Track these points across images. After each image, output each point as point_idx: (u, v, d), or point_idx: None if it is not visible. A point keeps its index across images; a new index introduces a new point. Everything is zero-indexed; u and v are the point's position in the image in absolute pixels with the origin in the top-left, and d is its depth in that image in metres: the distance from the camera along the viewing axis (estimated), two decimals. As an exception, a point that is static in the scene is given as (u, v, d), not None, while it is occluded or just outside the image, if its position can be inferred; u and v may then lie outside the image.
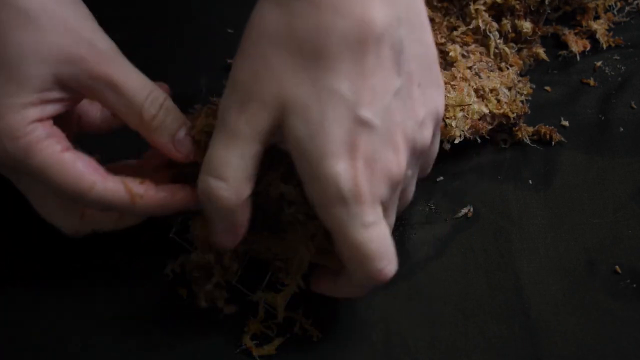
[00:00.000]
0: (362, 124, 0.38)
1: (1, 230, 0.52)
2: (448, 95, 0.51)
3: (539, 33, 0.59)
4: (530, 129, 0.55)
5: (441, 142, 0.51)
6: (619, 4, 0.62)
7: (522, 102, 0.55)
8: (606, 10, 0.62)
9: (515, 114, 0.54)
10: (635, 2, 0.63)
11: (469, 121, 0.52)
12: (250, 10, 0.64)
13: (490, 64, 0.56)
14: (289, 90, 0.38)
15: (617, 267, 0.49)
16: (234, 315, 0.48)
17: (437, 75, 0.43)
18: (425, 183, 0.54)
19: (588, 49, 0.60)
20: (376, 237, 0.40)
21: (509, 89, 0.55)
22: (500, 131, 0.55)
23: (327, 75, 0.38)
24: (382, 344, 0.47)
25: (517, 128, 0.55)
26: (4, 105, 0.40)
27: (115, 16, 0.56)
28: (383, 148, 0.39)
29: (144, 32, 0.55)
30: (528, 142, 0.55)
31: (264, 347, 0.47)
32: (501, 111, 0.53)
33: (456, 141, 0.52)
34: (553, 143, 0.55)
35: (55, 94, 0.42)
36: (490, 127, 0.53)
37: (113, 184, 0.43)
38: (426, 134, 0.42)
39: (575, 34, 0.61)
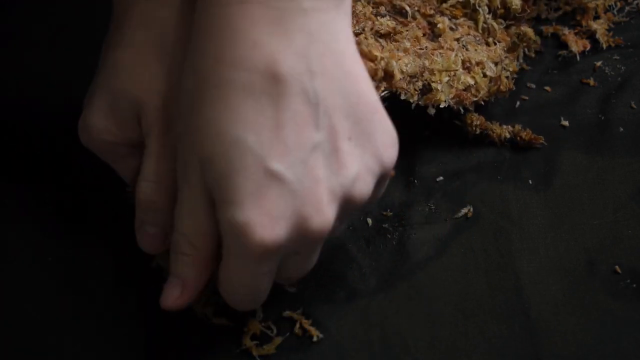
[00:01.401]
0: (272, 176, 0.37)
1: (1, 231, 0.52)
2: (435, 60, 0.51)
3: (528, 11, 0.58)
4: (515, 128, 0.55)
5: (425, 106, 0.51)
6: (619, 4, 0.62)
7: (507, 77, 0.55)
8: (606, 10, 0.62)
9: (499, 89, 0.54)
10: (635, 2, 0.63)
11: (453, 90, 0.52)
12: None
13: (478, 38, 0.56)
14: (202, 147, 0.39)
15: (617, 267, 0.49)
16: (234, 315, 0.48)
17: (381, 125, 0.41)
18: (425, 183, 0.54)
19: (588, 49, 0.60)
20: (255, 286, 0.41)
21: (496, 64, 0.54)
22: (474, 111, 0.55)
23: (231, 127, 0.38)
24: (381, 344, 0.47)
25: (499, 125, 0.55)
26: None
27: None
28: (300, 204, 0.38)
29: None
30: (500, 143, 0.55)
31: (263, 347, 0.47)
32: (488, 85, 0.53)
33: (441, 106, 0.51)
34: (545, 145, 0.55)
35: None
36: (474, 99, 0.53)
37: None
38: (363, 188, 0.41)
39: (575, 34, 0.61)
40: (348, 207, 0.41)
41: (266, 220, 0.38)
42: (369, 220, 0.52)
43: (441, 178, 0.54)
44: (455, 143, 0.55)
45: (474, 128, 0.55)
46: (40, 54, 0.60)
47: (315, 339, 0.47)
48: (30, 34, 0.62)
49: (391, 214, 0.52)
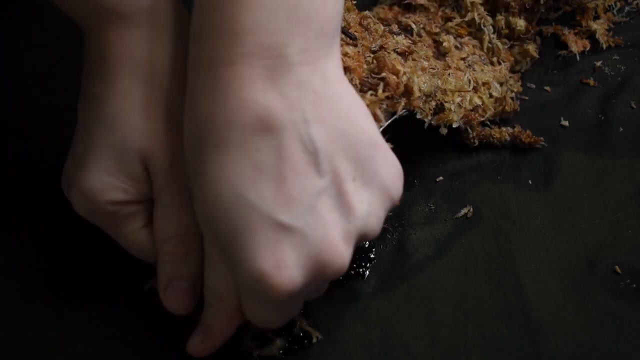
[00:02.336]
0: (281, 228, 0.38)
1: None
2: (448, 80, 0.51)
3: (532, 32, 0.59)
4: (514, 130, 0.55)
5: (437, 126, 0.51)
6: (619, 4, 0.62)
7: (512, 98, 0.56)
8: (606, 10, 0.62)
9: (504, 109, 0.54)
10: (635, 2, 0.63)
11: (462, 110, 0.52)
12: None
13: (483, 58, 0.56)
14: (202, 212, 0.40)
15: (617, 267, 0.49)
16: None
17: (383, 160, 0.41)
18: (425, 183, 0.54)
19: (588, 49, 0.60)
20: (278, 319, 0.43)
21: (501, 84, 0.55)
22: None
23: (233, 186, 0.38)
24: (381, 344, 0.47)
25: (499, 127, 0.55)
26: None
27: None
28: (315, 250, 0.39)
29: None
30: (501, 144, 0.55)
31: (264, 348, 0.47)
32: (494, 105, 0.54)
33: (454, 126, 0.51)
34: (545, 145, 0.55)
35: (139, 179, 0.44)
36: (481, 119, 0.53)
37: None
38: (375, 225, 0.41)
39: (575, 34, 0.61)
40: (361, 241, 0.42)
41: (282, 269, 0.38)
42: (369, 221, 0.52)
43: (441, 178, 0.54)
44: (455, 143, 0.55)
45: (472, 140, 0.55)
46: (41, 54, 0.60)
47: (315, 340, 0.47)
48: (31, 34, 0.62)
49: (391, 214, 0.52)
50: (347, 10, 0.51)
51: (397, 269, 0.50)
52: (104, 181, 0.43)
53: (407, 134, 0.49)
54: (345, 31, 0.49)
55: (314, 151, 0.39)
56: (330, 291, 0.48)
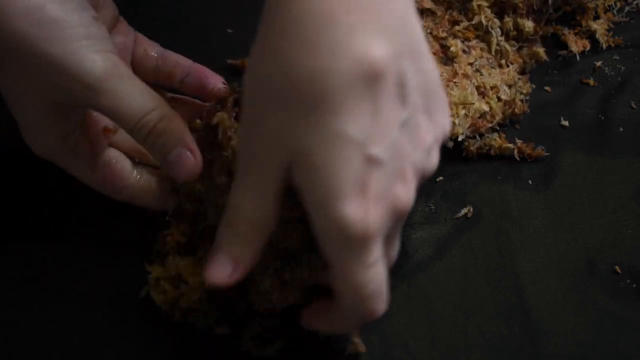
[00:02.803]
0: (372, 162, 0.38)
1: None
2: (451, 92, 0.51)
3: (540, 32, 0.59)
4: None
5: None
6: (619, 4, 0.62)
7: (521, 100, 0.56)
8: (606, 10, 0.62)
9: (514, 112, 0.54)
10: (635, 2, 0.63)
11: (469, 119, 0.52)
12: (250, 10, 0.64)
13: (491, 61, 0.56)
14: (292, 141, 0.38)
15: (617, 267, 0.49)
16: (234, 316, 0.48)
17: (442, 98, 0.42)
18: (425, 183, 0.54)
19: (588, 49, 0.60)
20: (375, 277, 0.40)
21: (510, 86, 0.55)
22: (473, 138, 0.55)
23: (330, 119, 0.37)
24: (381, 344, 0.47)
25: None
26: (29, 133, 0.47)
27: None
28: (393, 182, 0.39)
29: (144, 32, 0.55)
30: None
31: (263, 348, 0.47)
32: (503, 109, 0.54)
33: (459, 139, 0.52)
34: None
35: (62, 114, 0.45)
36: (490, 125, 0.53)
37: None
38: (434, 160, 0.42)
39: (575, 34, 0.61)
40: (421, 180, 0.42)
41: (371, 207, 0.38)
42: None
43: (441, 178, 0.54)
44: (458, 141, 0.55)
45: (470, 153, 0.55)
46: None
47: (315, 340, 0.47)
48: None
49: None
50: None
51: (397, 269, 0.50)
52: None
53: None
54: None
55: (403, 83, 0.39)
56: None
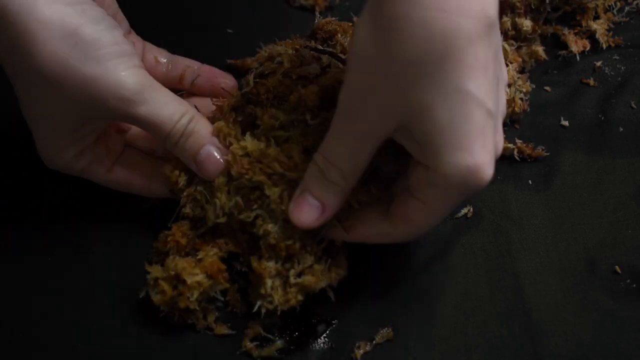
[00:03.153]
0: (489, 116, 0.40)
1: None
2: None
3: (539, 32, 0.59)
4: None
5: None
6: (619, 4, 0.62)
7: (521, 99, 0.56)
8: (606, 10, 0.62)
9: (514, 110, 0.54)
10: (635, 2, 0.63)
11: None
12: (249, 10, 0.64)
13: None
14: (411, 101, 0.40)
15: (617, 267, 0.49)
16: (234, 317, 0.48)
17: (501, 54, 0.45)
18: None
19: (588, 49, 0.60)
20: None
21: (509, 85, 0.55)
22: None
23: (453, 76, 0.39)
24: (382, 344, 0.47)
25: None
26: (49, 151, 0.48)
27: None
28: (497, 134, 0.42)
29: (144, 32, 0.55)
30: None
31: (264, 349, 0.47)
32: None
33: None
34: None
35: (86, 129, 0.47)
36: None
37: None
38: (504, 111, 0.45)
39: (575, 34, 0.61)
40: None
41: (489, 158, 0.41)
42: (369, 221, 0.52)
43: (441, 178, 0.54)
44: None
45: None
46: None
47: (314, 340, 0.47)
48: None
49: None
50: (345, 32, 0.52)
51: (397, 268, 0.50)
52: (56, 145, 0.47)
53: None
54: (334, 54, 0.49)
55: (498, 42, 0.42)
56: (330, 291, 0.48)
